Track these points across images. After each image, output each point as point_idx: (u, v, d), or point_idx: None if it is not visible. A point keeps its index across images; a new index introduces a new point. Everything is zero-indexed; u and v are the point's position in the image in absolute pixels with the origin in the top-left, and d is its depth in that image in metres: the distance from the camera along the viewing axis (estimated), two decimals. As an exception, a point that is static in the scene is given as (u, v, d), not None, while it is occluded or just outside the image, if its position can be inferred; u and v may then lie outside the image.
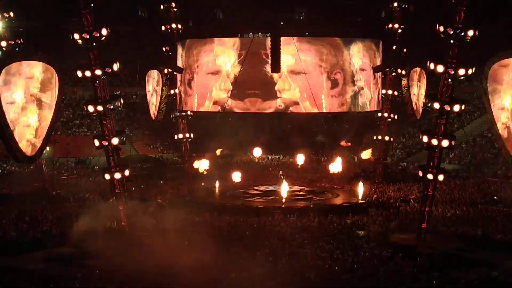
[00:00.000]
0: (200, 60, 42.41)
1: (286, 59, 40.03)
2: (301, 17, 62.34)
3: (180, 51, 43.62)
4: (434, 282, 21.80)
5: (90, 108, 28.58)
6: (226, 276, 21.74)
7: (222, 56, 41.75)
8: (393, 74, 43.15)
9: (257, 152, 49.98)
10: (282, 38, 36.94)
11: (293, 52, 40.44)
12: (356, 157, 53.57)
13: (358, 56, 41.96)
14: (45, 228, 29.77)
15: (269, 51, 37.36)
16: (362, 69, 41.98)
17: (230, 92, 40.93)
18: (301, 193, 39.04)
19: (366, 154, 47.33)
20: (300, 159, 44.43)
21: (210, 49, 42.32)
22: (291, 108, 41.64)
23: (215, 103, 41.85)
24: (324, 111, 42.22)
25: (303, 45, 41.09)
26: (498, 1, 50.46)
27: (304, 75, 40.53)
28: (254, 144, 50.75)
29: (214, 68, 41.90)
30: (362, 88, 42.22)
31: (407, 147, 60.18)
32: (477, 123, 58.10)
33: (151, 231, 29.20)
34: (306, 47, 41.16)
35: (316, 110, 41.43)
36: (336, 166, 43.09)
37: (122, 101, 29.66)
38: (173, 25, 43.97)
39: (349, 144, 54.43)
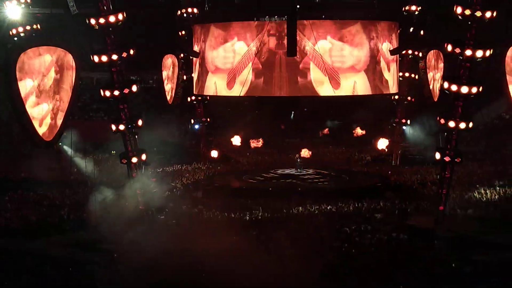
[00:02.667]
0: (223, 44, 42.40)
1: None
2: (317, 0, 61.99)
3: (200, 35, 43.52)
4: (452, 265, 21.76)
5: (107, 93, 28.62)
6: (244, 259, 21.81)
7: (248, 40, 41.66)
8: (410, 56, 42.88)
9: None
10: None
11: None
12: (373, 140, 53.36)
13: (379, 39, 41.88)
14: (63, 212, 29.98)
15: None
16: (380, 52, 41.82)
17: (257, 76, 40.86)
18: (318, 176, 39.02)
19: (382, 144, 46.97)
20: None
21: (234, 32, 42.32)
22: (318, 90, 41.52)
23: (240, 86, 41.73)
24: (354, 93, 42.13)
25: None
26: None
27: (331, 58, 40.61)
28: (272, 129, 50.58)
29: (240, 52, 41.85)
30: (381, 70, 42.14)
31: (425, 130, 59.78)
32: (494, 105, 57.54)
33: (168, 215, 29.38)
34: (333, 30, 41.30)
35: (342, 93, 41.53)
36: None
37: (138, 86, 29.66)
38: (189, 9, 43.80)
39: (364, 132, 54.42)
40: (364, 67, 41.22)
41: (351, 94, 41.72)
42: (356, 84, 41.15)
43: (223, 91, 42.13)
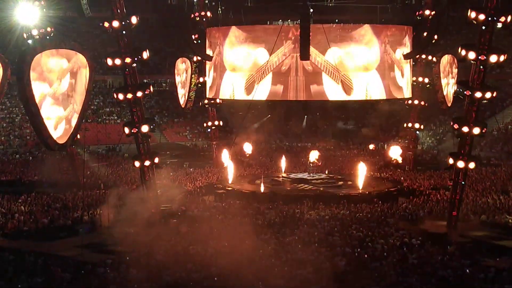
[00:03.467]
0: (248, 41, 42.54)
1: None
2: (330, 4, 62.09)
3: (216, 37, 43.62)
4: (464, 270, 21.69)
5: (120, 96, 28.76)
6: (255, 262, 21.83)
7: (265, 44, 41.74)
8: (424, 61, 42.85)
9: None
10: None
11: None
12: (386, 145, 53.36)
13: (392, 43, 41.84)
14: (76, 215, 30.10)
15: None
16: (394, 56, 41.81)
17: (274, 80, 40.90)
18: (331, 181, 38.99)
19: (394, 154, 46.79)
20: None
21: (251, 36, 42.41)
22: (331, 96, 41.59)
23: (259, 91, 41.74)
24: (369, 98, 42.10)
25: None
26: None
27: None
28: (283, 132, 50.64)
29: (260, 57, 41.98)
30: (394, 76, 42.11)
31: (438, 135, 59.74)
32: (509, 110, 57.41)
33: (180, 217, 29.43)
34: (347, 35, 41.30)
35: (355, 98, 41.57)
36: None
37: (151, 89, 29.76)
38: (202, 13, 43.96)
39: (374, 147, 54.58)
40: (378, 71, 41.21)
41: (365, 99, 41.83)
42: (368, 87, 41.19)
43: (241, 95, 42.06)
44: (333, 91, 40.86)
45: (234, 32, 42.08)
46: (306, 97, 41.75)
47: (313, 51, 38.45)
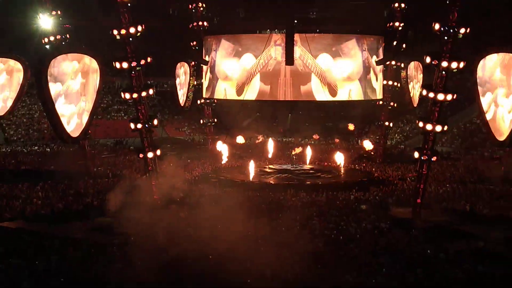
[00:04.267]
0: (233, 54, 42.55)
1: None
2: (313, 16, 61.79)
3: (211, 45, 43.63)
4: (427, 251, 21.74)
5: (127, 96, 28.64)
6: (245, 243, 21.79)
7: (256, 51, 41.81)
8: (394, 67, 42.89)
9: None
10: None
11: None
12: (360, 140, 53.34)
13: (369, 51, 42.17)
14: (87, 200, 29.97)
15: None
16: (370, 62, 42.12)
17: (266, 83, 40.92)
18: (311, 171, 38.97)
19: (367, 144, 46.81)
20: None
21: (243, 44, 42.45)
22: (317, 96, 41.73)
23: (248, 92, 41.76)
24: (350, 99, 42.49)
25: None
26: (488, 2, 49.68)
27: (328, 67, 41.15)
28: (270, 129, 50.50)
29: (248, 63, 41.99)
30: (370, 79, 42.46)
31: (405, 132, 59.84)
32: (467, 111, 57.50)
33: (179, 204, 29.34)
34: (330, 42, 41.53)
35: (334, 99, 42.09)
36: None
37: (154, 90, 29.64)
38: (200, 23, 43.88)
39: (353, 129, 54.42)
40: (358, 76, 41.51)
41: (346, 99, 42.21)
42: (351, 92, 41.50)
43: (232, 97, 42.27)
44: (320, 92, 41.03)
45: (224, 44, 42.30)
46: (294, 97, 41.91)
47: (306, 53, 38.68)
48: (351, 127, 54.32)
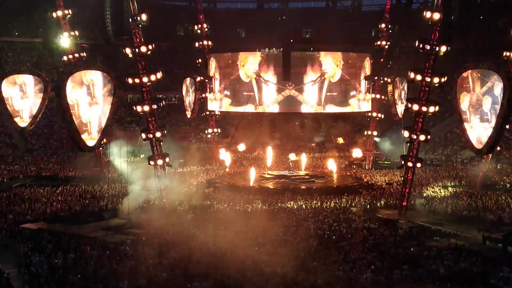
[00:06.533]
0: (231, 70, 43.04)
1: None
2: (307, 36, 62.15)
3: (214, 63, 44.00)
4: (412, 249, 21.73)
5: (139, 108, 28.74)
6: (245, 242, 21.79)
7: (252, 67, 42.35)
8: (381, 81, 42.97)
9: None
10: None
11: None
12: (350, 149, 53.26)
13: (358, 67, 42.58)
14: (102, 203, 29.95)
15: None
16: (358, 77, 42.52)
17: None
18: (306, 177, 38.97)
19: (357, 153, 46.68)
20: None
21: (241, 61, 42.95)
22: (307, 109, 42.12)
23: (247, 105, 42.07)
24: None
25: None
26: (467, 23, 49.92)
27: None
28: (269, 141, 50.27)
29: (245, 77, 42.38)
30: (360, 93, 42.83)
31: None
32: (448, 122, 57.48)
33: (185, 206, 29.32)
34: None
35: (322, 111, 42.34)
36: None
37: (163, 103, 29.75)
38: (205, 42, 44.08)
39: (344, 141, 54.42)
40: (351, 89, 42.11)
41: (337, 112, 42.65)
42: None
43: (234, 109, 42.64)
44: (309, 106, 41.26)
45: (222, 61, 42.97)
46: (290, 110, 42.31)
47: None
48: (340, 140, 54.49)
